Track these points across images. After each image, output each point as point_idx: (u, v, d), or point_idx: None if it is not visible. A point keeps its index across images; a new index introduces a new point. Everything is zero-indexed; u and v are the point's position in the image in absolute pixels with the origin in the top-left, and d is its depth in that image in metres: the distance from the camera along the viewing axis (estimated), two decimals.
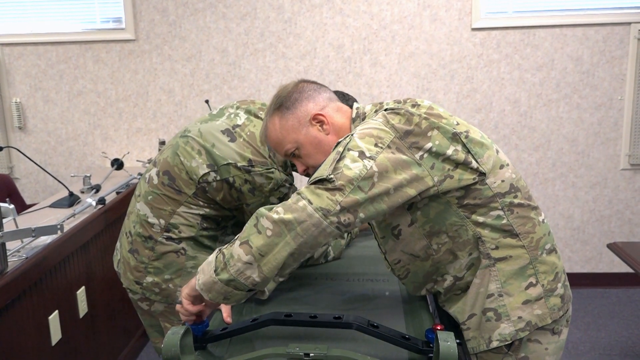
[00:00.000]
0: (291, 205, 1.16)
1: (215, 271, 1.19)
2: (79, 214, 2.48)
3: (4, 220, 1.81)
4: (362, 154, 1.20)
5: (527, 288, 1.33)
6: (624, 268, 3.49)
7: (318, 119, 1.38)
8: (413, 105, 1.32)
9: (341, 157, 1.20)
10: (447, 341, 1.12)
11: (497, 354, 1.35)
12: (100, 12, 3.57)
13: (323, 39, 3.51)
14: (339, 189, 1.16)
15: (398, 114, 1.27)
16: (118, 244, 1.85)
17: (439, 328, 1.20)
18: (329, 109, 1.40)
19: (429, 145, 1.24)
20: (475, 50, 3.47)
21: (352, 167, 1.18)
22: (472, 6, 3.41)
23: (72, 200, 2.61)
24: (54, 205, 2.60)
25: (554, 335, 1.37)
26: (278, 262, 1.16)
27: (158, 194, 1.70)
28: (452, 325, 1.40)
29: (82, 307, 2.38)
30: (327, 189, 1.17)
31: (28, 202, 3.32)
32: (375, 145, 1.21)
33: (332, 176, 1.17)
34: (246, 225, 1.20)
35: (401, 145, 1.23)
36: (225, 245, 1.22)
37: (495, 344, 1.33)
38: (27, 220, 2.29)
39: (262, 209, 1.19)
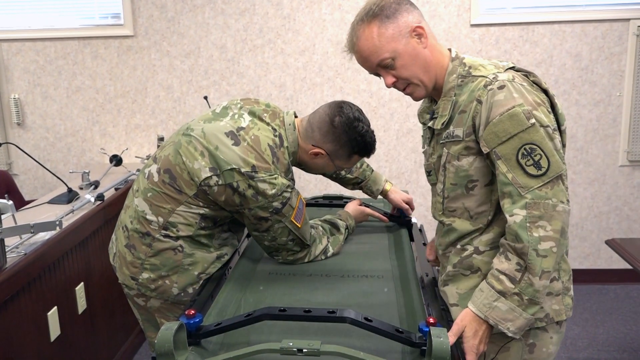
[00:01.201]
0: (552, 214, 1.24)
1: (524, 309, 1.26)
2: (77, 210, 2.48)
3: (3, 217, 1.81)
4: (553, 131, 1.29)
5: (551, 281, 1.35)
6: (622, 264, 3.49)
7: (417, 32, 1.36)
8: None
9: (550, 141, 1.27)
10: (439, 337, 1.13)
11: (505, 337, 1.34)
12: (98, 7, 3.57)
13: (322, 35, 3.50)
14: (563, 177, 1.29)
15: (529, 77, 1.36)
16: (114, 236, 1.85)
17: (431, 321, 1.21)
18: (424, 23, 1.38)
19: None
20: (474, 46, 3.46)
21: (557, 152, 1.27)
22: (471, 2, 3.40)
23: (70, 196, 2.61)
24: (53, 201, 2.61)
25: (557, 325, 1.42)
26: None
27: (158, 191, 1.69)
28: (446, 319, 1.40)
29: (81, 303, 2.39)
30: (564, 182, 1.28)
31: (27, 198, 3.33)
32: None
33: (562, 172, 1.27)
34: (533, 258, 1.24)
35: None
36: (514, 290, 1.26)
37: None
38: (25, 217, 2.30)
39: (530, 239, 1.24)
